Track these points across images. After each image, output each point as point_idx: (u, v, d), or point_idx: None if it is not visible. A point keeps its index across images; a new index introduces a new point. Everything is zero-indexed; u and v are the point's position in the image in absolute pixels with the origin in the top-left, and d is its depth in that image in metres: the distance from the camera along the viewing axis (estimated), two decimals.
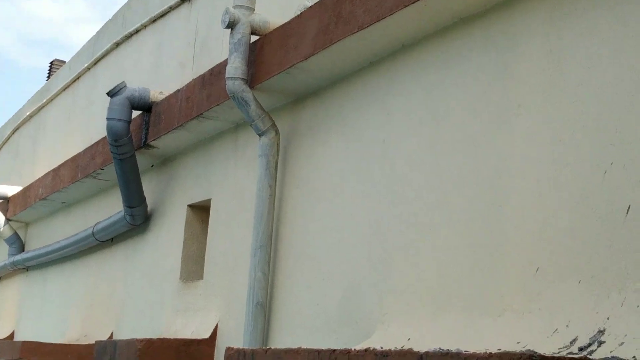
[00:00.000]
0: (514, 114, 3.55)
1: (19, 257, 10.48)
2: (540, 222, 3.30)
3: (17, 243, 10.82)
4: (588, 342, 2.89)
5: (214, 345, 5.79)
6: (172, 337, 5.94)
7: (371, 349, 3.00)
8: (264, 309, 5.16)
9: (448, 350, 2.62)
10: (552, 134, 3.34)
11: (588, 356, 2.50)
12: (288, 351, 3.49)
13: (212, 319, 5.90)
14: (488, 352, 2.43)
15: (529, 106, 3.48)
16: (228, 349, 3.96)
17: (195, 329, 6.03)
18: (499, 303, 3.41)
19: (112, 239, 8.00)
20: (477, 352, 2.48)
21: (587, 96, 3.22)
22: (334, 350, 3.21)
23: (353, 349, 3.10)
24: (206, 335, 5.83)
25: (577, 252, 3.11)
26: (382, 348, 2.97)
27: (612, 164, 3.04)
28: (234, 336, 5.44)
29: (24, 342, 7.63)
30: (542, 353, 2.31)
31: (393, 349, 2.88)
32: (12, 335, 10.73)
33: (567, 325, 3.05)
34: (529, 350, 2.30)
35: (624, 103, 3.05)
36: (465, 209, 3.71)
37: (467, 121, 3.82)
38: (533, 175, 3.38)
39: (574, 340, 2.95)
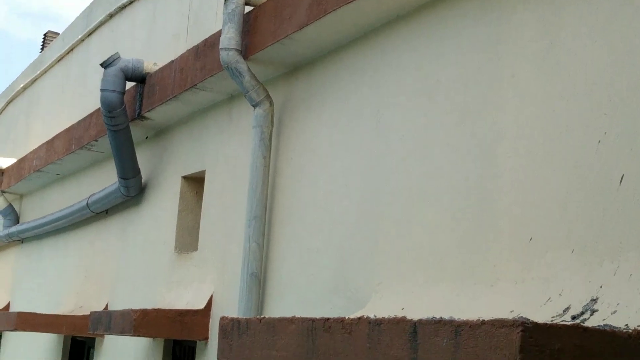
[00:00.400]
0: (507, 83, 3.55)
1: (13, 229, 10.48)
2: (534, 192, 3.31)
3: (12, 215, 10.82)
4: (581, 310, 2.90)
5: (209, 315, 5.80)
6: (167, 308, 5.96)
7: (365, 317, 3.01)
8: (258, 280, 5.17)
9: (441, 318, 2.63)
10: (545, 104, 3.34)
11: (581, 324, 2.51)
12: (282, 320, 3.50)
13: (207, 289, 5.91)
14: (481, 319, 2.44)
15: (522, 76, 3.48)
16: (222, 319, 3.97)
17: (190, 300, 6.04)
18: (492, 272, 3.42)
19: (107, 210, 8.00)
20: (470, 319, 2.49)
21: (580, 66, 3.22)
22: (328, 319, 3.22)
23: (347, 318, 3.12)
24: (201, 305, 5.85)
25: (571, 222, 3.12)
26: (375, 317, 2.98)
27: (605, 133, 3.04)
28: (229, 306, 5.46)
29: (19, 313, 7.65)
30: (535, 321, 2.32)
31: (387, 317, 2.89)
32: (7, 307, 10.75)
33: (560, 294, 3.06)
34: (522, 317, 2.31)
35: (617, 73, 3.05)
36: (458, 179, 3.71)
37: (461, 91, 3.81)
38: (526, 145, 3.39)
39: (567, 308, 2.97)
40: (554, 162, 3.24)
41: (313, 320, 3.30)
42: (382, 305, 3.94)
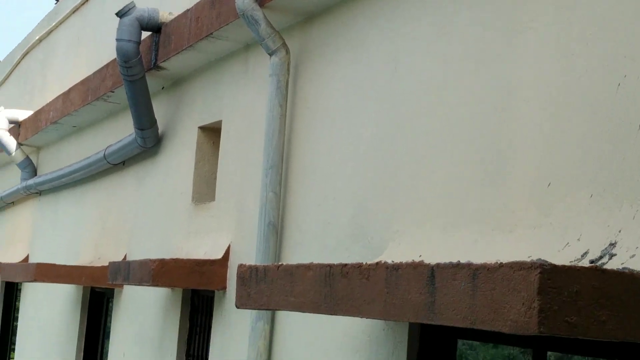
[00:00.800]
0: (526, 27, 3.50)
1: (31, 181, 10.52)
2: (552, 136, 3.28)
3: (30, 167, 10.86)
4: (599, 255, 2.89)
5: (227, 265, 5.82)
6: (185, 258, 5.98)
7: (382, 262, 3.01)
8: (275, 229, 5.17)
9: (459, 261, 2.63)
10: (564, 46, 3.29)
11: (599, 266, 2.50)
12: (300, 266, 3.51)
13: (224, 239, 5.92)
14: (499, 262, 2.44)
15: (541, 19, 3.43)
16: (240, 266, 3.99)
17: (207, 250, 6.06)
18: (511, 218, 3.40)
19: (124, 162, 8.01)
20: (488, 262, 2.49)
21: (599, 8, 3.17)
22: (345, 265, 3.22)
23: (364, 263, 3.12)
24: (218, 255, 5.87)
25: (589, 166, 3.10)
26: (393, 262, 2.98)
27: (625, 76, 3.00)
28: (246, 256, 5.47)
29: (38, 264, 7.70)
30: (553, 263, 2.31)
31: (404, 262, 2.89)
32: (26, 259, 10.82)
33: (578, 239, 3.04)
34: (540, 259, 2.30)
35: (637, 14, 3.01)
36: (476, 124, 3.69)
37: (479, 35, 3.77)
38: (545, 89, 3.35)
39: (585, 253, 2.95)
40: (572, 106, 3.21)
41: (331, 266, 3.31)
42: (399, 253, 3.94)
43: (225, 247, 5.85)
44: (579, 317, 2.31)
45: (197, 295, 6.44)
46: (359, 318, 4.20)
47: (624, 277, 2.37)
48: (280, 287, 3.63)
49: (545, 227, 3.22)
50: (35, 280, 7.73)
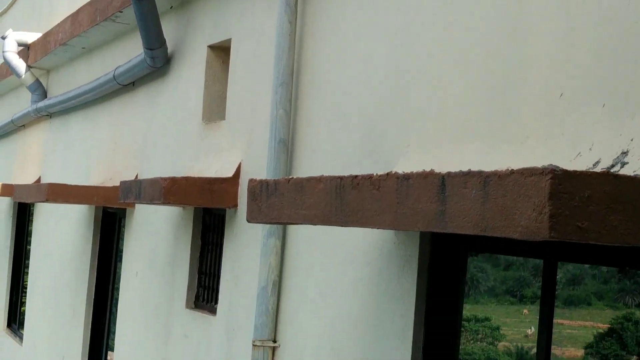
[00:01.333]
0: None
1: (41, 104, 10.52)
2: (564, 47, 3.24)
3: (40, 90, 10.85)
4: (611, 163, 2.88)
5: (238, 183, 5.83)
6: (196, 176, 5.99)
7: (393, 172, 3.01)
8: (286, 146, 5.17)
9: (469, 170, 2.62)
10: None
11: (611, 171, 2.48)
12: (310, 179, 3.51)
13: (235, 158, 5.93)
14: (510, 169, 2.43)
15: None
16: (251, 181, 3.99)
17: (218, 169, 6.07)
18: (522, 130, 3.39)
19: (134, 82, 7.99)
20: (499, 170, 2.48)
21: None
22: (356, 176, 3.22)
23: (375, 174, 3.11)
24: (229, 173, 5.87)
25: (602, 76, 3.07)
26: (404, 172, 2.98)
27: None
28: (257, 174, 5.47)
29: (50, 184, 7.73)
30: (565, 168, 2.30)
31: (415, 171, 2.89)
32: (38, 181, 10.87)
33: (590, 149, 3.03)
34: (552, 165, 2.29)
35: None
36: (488, 36, 3.65)
37: None
38: None
39: (597, 162, 2.95)
40: (585, 15, 3.17)
41: (341, 178, 3.30)
42: (410, 166, 3.93)
43: (236, 166, 5.86)
44: (590, 222, 2.30)
45: (208, 213, 6.47)
46: (370, 232, 4.22)
47: (637, 182, 2.37)
48: (291, 201, 3.64)
49: (557, 138, 3.20)
50: (47, 201, 7.76)
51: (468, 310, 3.98)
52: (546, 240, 2.30)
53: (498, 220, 2.46)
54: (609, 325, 3.80)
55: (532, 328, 3.89)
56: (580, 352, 3.86)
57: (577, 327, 3.90)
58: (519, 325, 4.29)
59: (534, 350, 3.50)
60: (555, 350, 3.41)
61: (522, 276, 4.22)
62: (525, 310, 4.22)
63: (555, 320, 3.40)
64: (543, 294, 3.41)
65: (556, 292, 3.41)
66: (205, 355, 6.10)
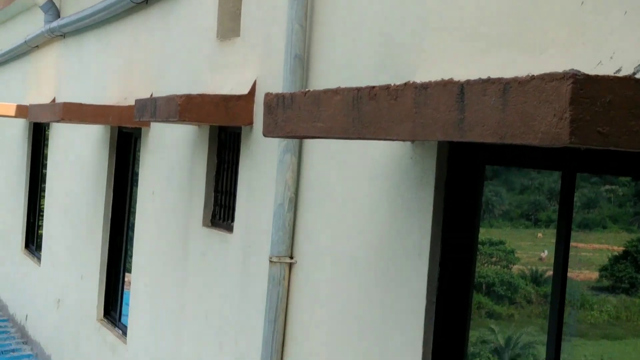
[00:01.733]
0: None
1: (55, 23, 10.44)
2: None
3: (53, 10, 10.76)
4: (633, 71, 2.83)
5: (253, 100, 5.80)
6: (211, 94, 5.96)
7: (411, 82, 2.97)
8: (302, 61, 5.12)
9: (489, 77, 2.59)
10: None
11: (633, 76, 2.44)
12: (327, 91, 3.48)
13: (250, 75, 5.88)
14: (530, 75, 2.39)
15: None
16: (267, 95, 3.96)
17: (234, 86, 6.03)
18: (543, 39, 3.33)
19: (147, 0, 7.91)
20: (519, 76, 2.44)
21: None
22: (373, 87, 3.19)
23: (392, 84, 3.08)
24: (245, 91, 5.84)
25: None
26: (422, 81, 2.94)
27: None
28: (273, 90, 5.40)
29: (65, 104, 7.70)
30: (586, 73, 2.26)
31: (433, 80, 2.85)
32: (53, 102, 10.85)
33: (611, 57, 2.98)
34: (573, 69, 2.25)
35: None
36: None
37: None
38: None
39: (618, 70, 2.90)
40: None
41: (358, 89, 3.27)
42: (428, 78, 3.88)
43: (252, 83, 5.82)
44: (611, 127, 2.27)
45: (224, 131, 6.45)
46: (387, 147, 4.19)
47: None
48: (308, 114, 3.61)
49: (578, 47, 3.15)
50: (62, 120, 7.74)
51: (482, 233, 3.96)
52: (566, 146, 2.27)
53: (518, 127, 2.43)
54: (624, 248, 3.79)
55: (546, 251, 3.88)
56: (595, 275, 3.86)
57: (592, 250, 3.89)
58: (533, 249, 4.28)
59: (548, 273, 3.49)
60: (570, 273, 3.39)
61: (537, 200, 4.20)
62: (539, 234, 4.21)
63: (570, 243, 3.37)
64: (561, 207, 3.38)
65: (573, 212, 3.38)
66: (222, 272, 6.14)
